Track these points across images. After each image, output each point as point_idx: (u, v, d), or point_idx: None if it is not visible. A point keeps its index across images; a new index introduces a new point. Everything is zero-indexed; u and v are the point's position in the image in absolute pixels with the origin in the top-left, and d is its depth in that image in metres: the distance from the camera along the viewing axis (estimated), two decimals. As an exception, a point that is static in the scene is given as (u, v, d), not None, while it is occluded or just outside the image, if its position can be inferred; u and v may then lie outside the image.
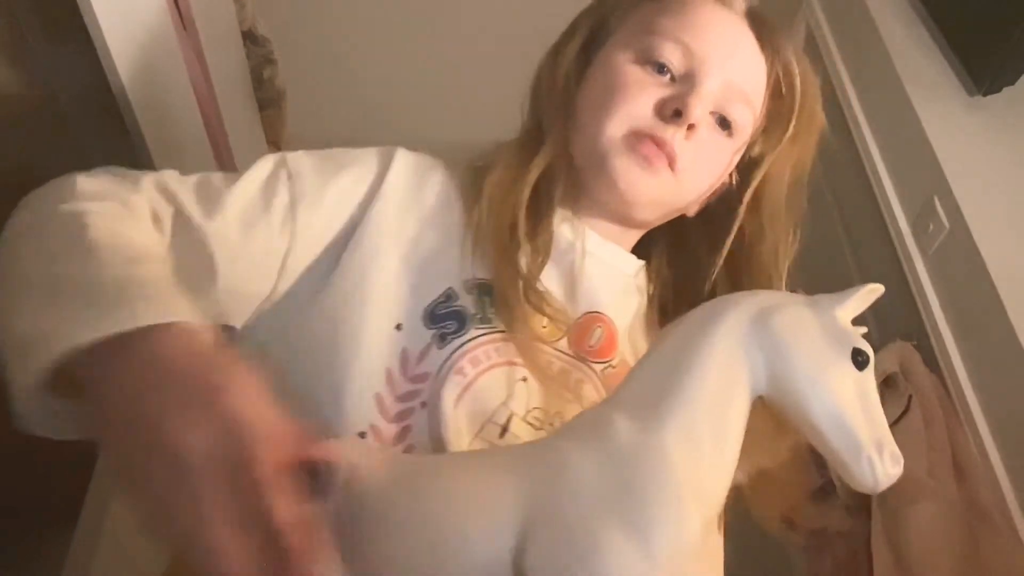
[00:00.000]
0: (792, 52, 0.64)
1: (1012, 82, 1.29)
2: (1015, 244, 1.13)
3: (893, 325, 1.28)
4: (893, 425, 1.11)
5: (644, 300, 0.67)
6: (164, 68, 0.95)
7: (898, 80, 1.35)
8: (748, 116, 0.62)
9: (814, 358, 0.46)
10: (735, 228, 0.65)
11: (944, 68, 1.37)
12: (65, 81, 0.92)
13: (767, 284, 0.67)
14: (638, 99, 0.59)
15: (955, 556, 1.03)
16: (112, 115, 0.84)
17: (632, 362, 0.63)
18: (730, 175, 0.67)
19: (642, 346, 0.66)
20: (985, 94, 1.30)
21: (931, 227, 1.23)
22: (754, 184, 0.65)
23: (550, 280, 0.60)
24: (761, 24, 0.64)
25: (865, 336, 0.49)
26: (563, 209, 0.64)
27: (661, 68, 0.60)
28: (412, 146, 0.67)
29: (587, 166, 0.62)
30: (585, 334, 0.61)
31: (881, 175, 1.39)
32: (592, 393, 0.60)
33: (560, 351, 0.60)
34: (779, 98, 0.63)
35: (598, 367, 0.61)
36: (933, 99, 1.32)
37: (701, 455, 0.43)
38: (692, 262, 0.68)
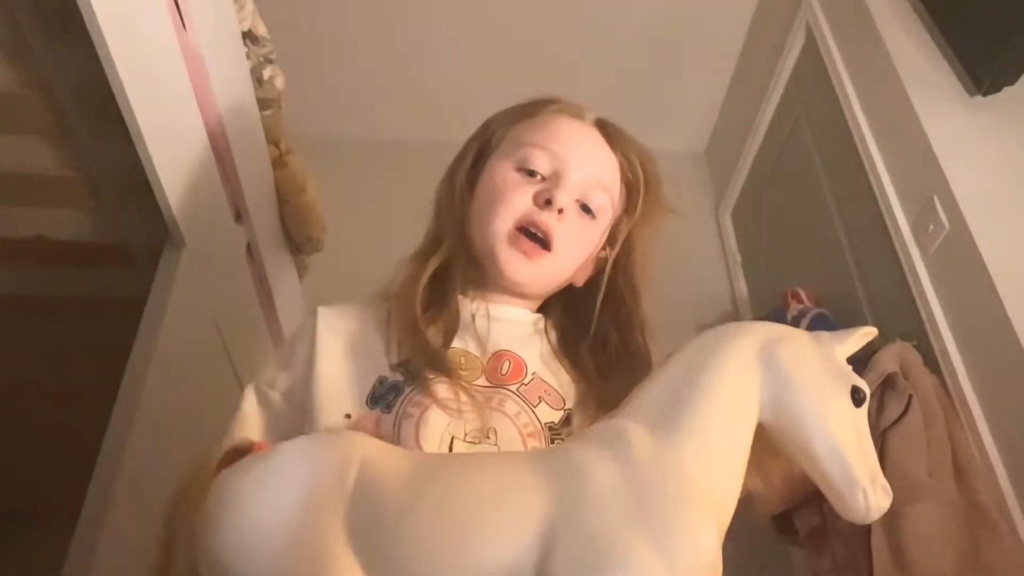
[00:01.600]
0: (635, 149, 0.81)
1: (1012, 82, 1.29)
2: (1015, 244, 1.13)
3: (893, 325, 1.28)
4: (893, 425, 1.11)
5: (545, 340, 0.79)
6: (164, 68, 0.95)
7: (898, 80, 1.35)
8: (606, 201, 0.77)
9: (817, 391, 0.49)
10: (604, 283, 0.80)
11: (944, 68, 1.37)
12: (65, 81, 0.92)
13: (639, 327, 0.80)
14: (516, 197, 0.74)
15: (955, 556, 1.03)
16: (112, 115, 0.84)
17: (547, 378, 0.75)
18: (605, 251, 0.81)
19: (555, 369, 0.77)
20: (985, 94, 1.30)
21: (931, 227, 1.23)
22: (615, 251, 0.80)
23: (465, 342, 0.75)
24: (609, 129, 0.81)
25: None
26: (471, 291, 0.78)
27: (532, 173, 0.75)
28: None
29: (482, 257, 0.76)
30: (496, 367, 0.74)
31: (881, 175, 1.39)
32: (514, 406, 0.72)
33: (479, 385, 0.73)
34: (630, 186, 0.80)
35: (513, 387, 0.73)
36: (933, 99, 1.32)
37: (715, 469, 0.45)
38: (582, 312, 0.81)
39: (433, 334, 0.74)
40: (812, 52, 1.73)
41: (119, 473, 0.87)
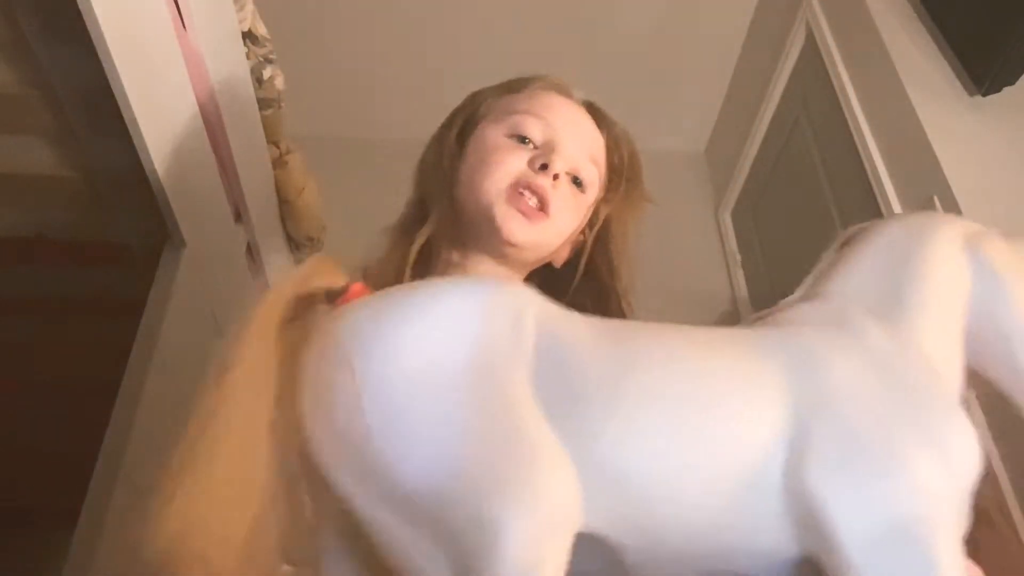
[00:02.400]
0: (622, 133, 0.81)
1: (1012, 82, 1.29)
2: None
3: (893, 325, 1.28)
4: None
5: None
6: (164, 68, 0.95)
7: (898, 80, 1.35)
8: (595, 175, 0.77)
9: None
10: (583, 263, 0.79)
11: (944, 68, 1.37)
12: (65, 81, 0.92)
13: (616, 300, 0.79)
14: (511, 159, 0.73)
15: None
16: (112, 115, 0.84)
17: None
18: (584, 232, 0.79)
19: None
20: (985, 94, 1.30)
21: (931, 227, 1.23)
22: (595, 231, 0.79)
23: None
24: (595, 110, 0.81)
25: None
26: (453, 262, 0.76)
27: (524, 139, 0.74)
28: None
29: (476, 219, 0.74)
30: None
31: (881, 175, 1.39)
32: None
33: None
34: (614, 168, 0.79)
35: None
36: (933, 99, 1.32)
37: (948, 357, 0.40)
38: (558, 295, 0.78)
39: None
40: (812, 52, 1.73)
41: (119, 473, 0.87)
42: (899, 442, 0.33)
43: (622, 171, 0.80)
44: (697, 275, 2.14)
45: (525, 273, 0.80)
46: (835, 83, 1.58)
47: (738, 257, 2.14)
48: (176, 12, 0.97)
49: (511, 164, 0.73)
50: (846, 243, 0.46)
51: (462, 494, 0.27)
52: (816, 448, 0.33)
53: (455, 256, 0.77)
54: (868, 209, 1.44)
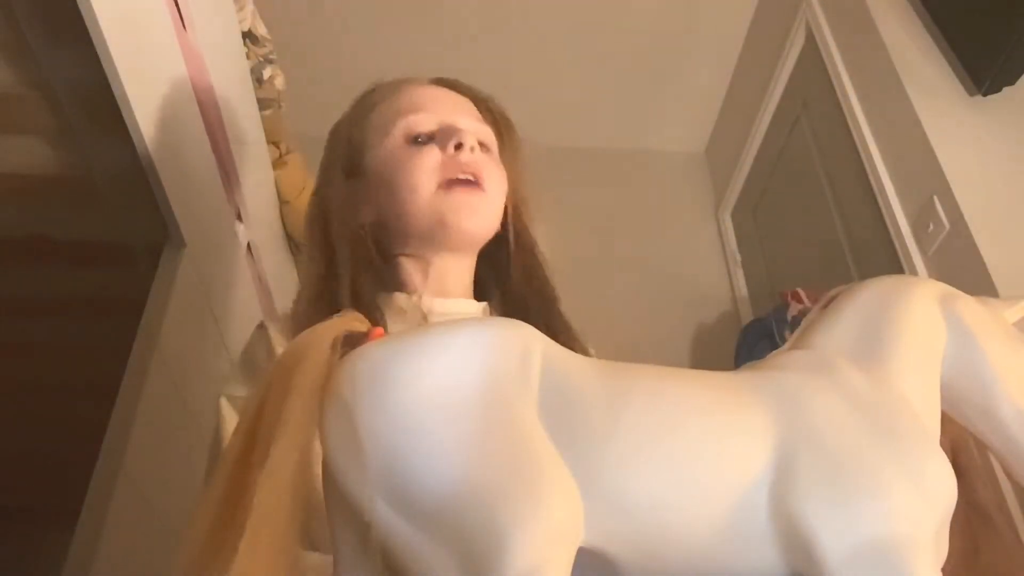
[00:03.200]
0: (479, 92, 0.82)
1: (1012, 82, 1.29)
2: (1015, 244, 1.13)
3: (893, 325, 1.28)
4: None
5: None
6: (164, 68, 0.95)
7: (898, 80, 1.35)
8: (491, 134, 0.78)
9: (1001, 351, 0.44)
10: (511, 231, 0.79)
11: (944, 68, 1.37)
12: (65, 81, 0.92)
13: (547, 274, 0.80)
14: (425, 159, 0.71)
15: (955, 556, 1.02)
16: (112, 115, 0.84)
17: None
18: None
19: None
20: (985, 94, 1.30)
21: (931, 227, 1.23)
22: (512, 191, 0.78)
23: None
24: (449, 82, 0.81)
25: None
26: (399, 294, 0.75)
27: (418, 137, 0.73)
28: None
29: (426, 226, 0.72)
30: None
31: (881, 175, 1.39)
32: None
33: None
34: (491, 120, 0.80)
35: None
36: (933, 99, 1.32)
37: (927, 410, 0.42)
38: (499, 267, 0.81)
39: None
40: (812, 52, 1.73)
41: (119, 473, 0.87)
42: (877, 469, 0.35)
43: (498, 123, 0.80)
44: (697, 275, 2.14)
45: (478, 250, 0.79)
46: (835, 83, 1.58)
47: (738, 257, 2.14)
48: (176, 12, 0.97)
49: (428, 162, 0.71)
50: (828, 302, 0.49)
51: (475, 508, 0.30)
52: (800, 474, 0.35)
53: (415, 273, 0.75)
54: (868, 208, 1.44)
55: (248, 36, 1.24)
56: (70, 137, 0.98)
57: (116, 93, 0.83)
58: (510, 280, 0.79)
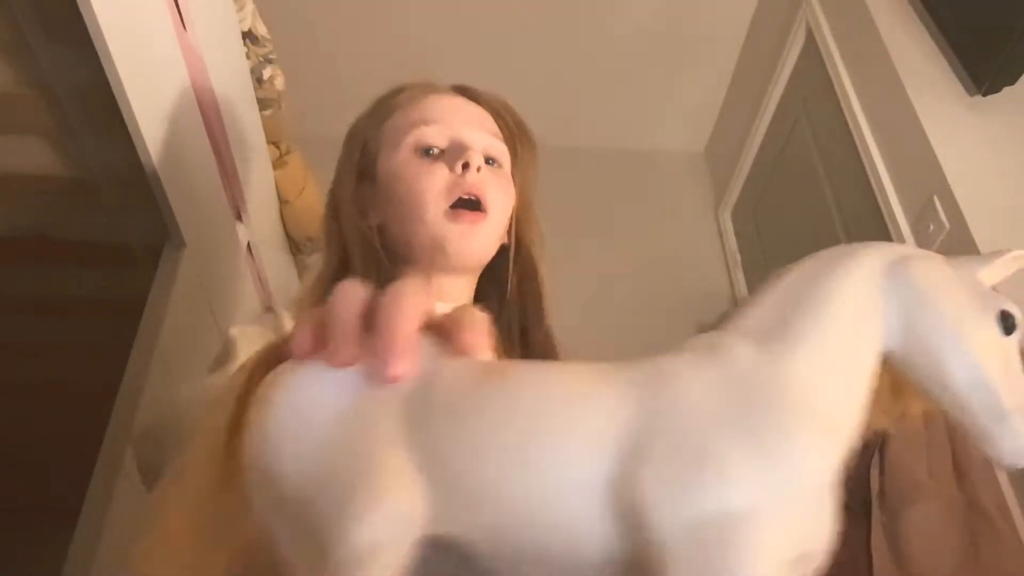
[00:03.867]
0: (497, 100, 0.83)
1: (1012, 82, 1.29)
2: (1015, 244, 1.13)
3: (893, 325, 1.28)
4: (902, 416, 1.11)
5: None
6: (164, 68, 0.95)
7: (898, 80, 1.35)
8: (503, 149, 0.79)
9: (958, 314, 0.42)
10: (513, 238, 0.80)
11: (944, 68, 1.37)
12: (65, 81, 0.92)
13: (543, 287, 0.81)
14: (433, 177, 0.73)
15: (955, 556, 1.03)
16: (112, 115, 0.84)
17: None
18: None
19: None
20: (985, 94, 1.30)
21: (931, 227, 1.23)
22: (520, 203, 0.80)
23: None
24: (468, 91, 0.82)
25: None
26: None
27: (430, 151, 0.75)
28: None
29: (428, 247, 0.74)
30: None
31: (881, 175, 1.39)
32: None
33: None
34: (506, 134, 0.81)
35: None
36: (933, 99, 1.32)
37: (832, 383, 0.39)
38: (499, 274, 0.82)
39: None
40: (812, 52, 1.73)
41: (119, 473, 0.87)
42: (726, 448, 0.34)
43: (513, 134, 0.81)
44: (697, 275, 2.14)
45: (481, 269, 0.80)
46: (835, 83, 1.58)
47: (738, 257, 2.14)
48: (176, 12, 0.97)
49: (436, 182, 0.73)
50: (769, 281, 0.47)
51: (326, 502, 0.35)
52: (644, 455, 0.35)
53: (415, 277, 0.77)
54: (868, 209, 1.44)
55: (248, 36, 1.24)
56: (70, 137, 0.98)
57: (116, 93, 0.83)
58: (507, 290, 0.80)
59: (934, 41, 1.41)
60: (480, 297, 0.82)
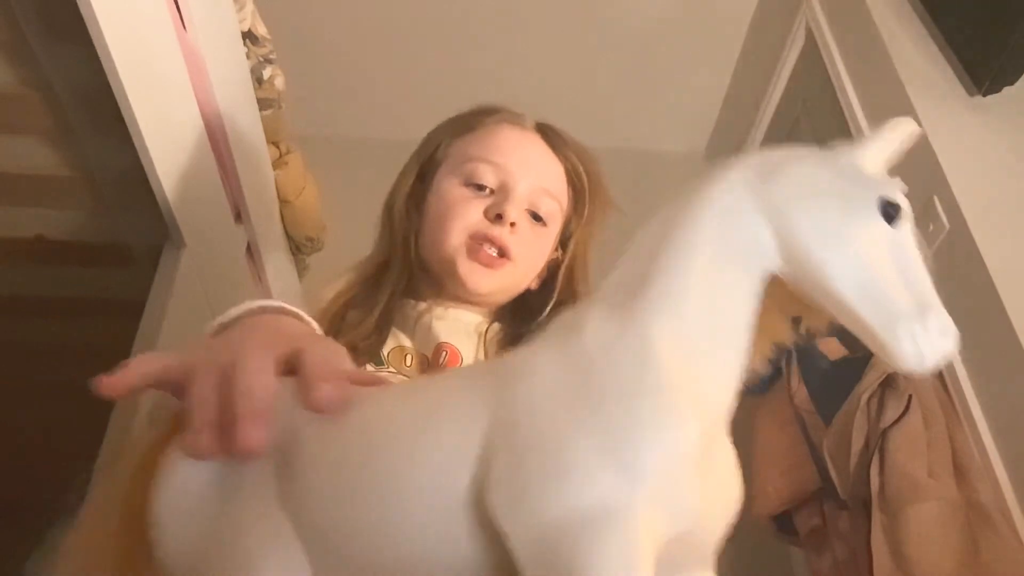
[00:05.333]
0: (577, 152, 0.82)
1: (1012, 82, 1.29)
2: (1015, 244, 1.13)
3: (893, 325, 1.28)
4: (893, 425, 1.11)
5: (481, 344, 0.79)
6: (164, 68, 0.95)
7: (898, 80, 1.35)
8: (555, 207, 0.79)
9: (827, 214, 0.37)
10: (559, 284, 0.81)
11: (944, 68, 1.37)
12: (65, 81, 0.92)
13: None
14: (468, 212, 0.75)
15: (955, 556, 1.03)
16: (112, 115, 0.84)
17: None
18: (557, 252, 0.82)
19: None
20: (985, 94, 1.30)
21: (931, 227, 1.23)
22: (568, 255, 0.81)
23: (398, 339, 0.77)
24: (551, 135, 0.82)
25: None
26: (427, 298, 0.79)
27: (480, 187, 0.76)
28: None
29: (441, 271, 0.77)
30: (436, 357, 0.75)
31: (881, 175, 1.39)
32: None
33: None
34: (576, 189, 0.81)
35: None
36: (933, 99, 1.32)
37: (695, 348, 0.35)
38: (532, 312, 0.82)
39: (363, 332, 0.75)
40: (812, 52, 1.73)
41: (119, 473, 0.87)
42: (566, 445, 0.32)
43: (583, 192, 0.82)
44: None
45: (501, 305, 0.82)
46: (835, 83, 1.58)
47: (738, 257, 2.14)
48: (176, 12, 0.97)
49: (467, 217, 0.75)
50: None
51: None
52: (494, 463, 0.32)
53: (430, 294, 0.80)
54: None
55: (248, 36, 1.24)
56: (70, 137, 0.98)
57: (116, 93, 0.83)
58: (526, 325, 0.81)
59: (934, 41, 1.41)
60: (502, 314, 0.83)
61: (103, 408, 0.91)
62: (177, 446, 0.40)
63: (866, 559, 1.07)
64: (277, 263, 1.46)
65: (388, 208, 0.83)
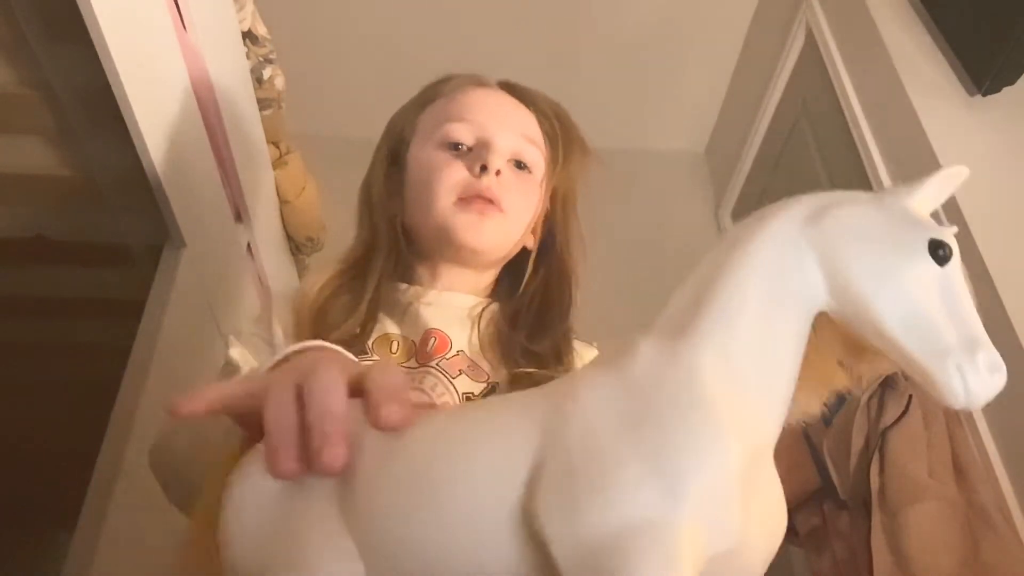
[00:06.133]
0: (546, 102, 0.81)
1: (1012, 82, 1.29)
2: (1015, 244, 1.13)
3: (893, 325, 1.28)
4: (893, 425, 1.11)
5: (476, 328, 0.78)
6: (164, 68, 0.95)
7: (898, 80, 1.35)
8: (536, 153, 0.78)
9: (880, 254, 0.38)
10: (540, 236, 0.79)
11: (944, 68, 1.37)
12: (65, 81, 0.92)
13: (569, 283, 0.80)
14: (451, 171, 0.74)
15: (955, 556, 1.03)
16: (112, 115, 0.84)
17: (472, 356, 0.74)
18: (546, 209, 0.80)
19: (482, 352, 0.76)
20: (985, 94, 1.30)
21: (931, 227, 1.23)
22: (547, 203, 0.79)
23: (384, 325, 0.75)
24: (516, 89, 0.81)
25: None
26: (404, 284, 0.78)
27: (457, 146, 0.75)
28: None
29: (434, 238, 0.75)
30: (424, 344, 0.74)
31: (881, 175, 1.39)
32: (431, 380, 0.72)
33: (406, 366, 0.73)
34: (551, 138, 0.79)
35: (435, 362, 0.73)
36: (933, 99, 1.32)
37: (743, 378, 0.37)
38: (521, 279, 0.81)
39: (351, 323, 0.73)
40: (812, 52, 1.73)
41: (119, 473, 0.87)
42: (615, 464, 0.33)
43: (557, 138, 0.80)
44: (697, 275, 2.14)
45: (498, 269, 0.81)
46: (835, 83, 1.58)
47: (738, 257, 2.14)
48: (176, 12, 0.97)
49: (451, 176, 0.74)
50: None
51: None
52: (542, 482, 0.34)
53: (424, 272, 0.79)
54: (868, 209, 1.44)
55: (248, 36, 1.24)
56: (70, 137, 0.98)
57: (116, 93, 0.83)
58: (520, 292, 0.80)
59: (934, 41, 1.41)
60: (499, 295, 0.82)
61: (103, 408, 0.91)
62: (250, 461, 0.41)
63: (866, 559, 1.07)
64: (277, 263, 1.46)
65: (366, 196, 0.82)
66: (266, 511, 0.39)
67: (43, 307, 1.23)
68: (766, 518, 0.38)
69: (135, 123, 0.86)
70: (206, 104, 1.07)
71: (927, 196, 0.43)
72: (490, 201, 0.73)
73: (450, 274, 0.78)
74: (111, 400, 0.91)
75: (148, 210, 0.97)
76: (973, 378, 0.37)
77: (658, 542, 0.32)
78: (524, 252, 0.80)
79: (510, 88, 0.82)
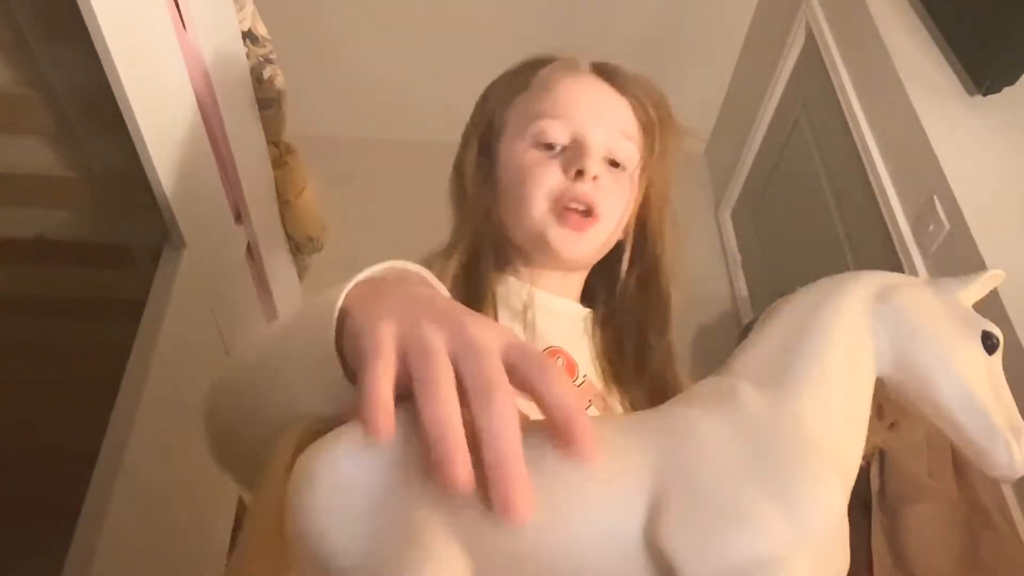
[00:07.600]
0: (641, 86, 0.78)
1: (1012, 82, 1.29)
2: (1015, 244, 1.13)
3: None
4: (893, 425, 1.11)
5: (591, 342, 0.77)
6: (164, 68, 0.95)
7: (898, 80, 1.35)
8: (631, 148, 0.74)
9: (944, 337, 0.44)
10: (634, 226, 0.77)
11: (944, 68, 1.37)
12: (65, 81, 0.92)
13: (667, 292, 0.78)
14: (546, 175, 0.71)
15: (955, 556, 1.03)
16: (112, 115, 0.84)
17: (595, 382, 0.72)
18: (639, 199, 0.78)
19: (600, 373, 0.74)
20: (985, 94, 1.30)
21: (931, 227, 1.23)
22: (642, 193, 0.77)
23: (513, 329, 0.71)
24: (609, 72, 0.78)
25: None
26: (512, 278, 0.75)
27: (551, 146, 0.72)
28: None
29: (529, 244, 0.73)
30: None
31: (881, 175, 1.39)
32: None
33: None
34: (646, 126, 0.76)
35: None
36: (933, 99, 1.32)
37: (837, 423, 0.41)
38: (616, 275, 0.79)
39: None
40: (812, 52, 1.73)
41: (119, 473, 0.87)
42: (741, 495, 0.36)
43: (653, 127, 0.76)
44: (697, 275, 2.14)
45: (585, 273, 0.79)
46: (835, 83, 1.58)
47: (738, 257, 2.14)
48: (176, 12, 0.97)
49: (547, 181, 0.71)
50: (764, 319, 0.49)
51: (373, 571, 0.35)
52: (668, 509, 0.36)
53: (521, 267, 0.76)
54: (868, 209, 1.44)
55: (248, 36, 1.23)
56: (70, 137, 0.98)
57: (116, 93, 0.83)
58: (618, 294, 0.78)
59: (934, 41, 1.41)
60: (589, 293, 0.80)
61: (103, 408, 0.91)
62: (350, 435, 0.38)
63: (866, 559, 1.07)
64: (277, 263, 1.46)
65: (459, 185, 0.78)
66: (372, 498, 0.37)
67: (43, 307, 1.23)
68: (840, 560, 0.42)
69: (135, 123, 0.86)
70: (206, 104, 1.07)
71: (973, 292, 0.49)
72: (586, 212, 0.71)
73: (547, 275, 0.76)
74: (111, 400, 0.91)
75: (148, 210, 0.97)
76: (1019, 453, 0.42)
77: (787, 571, 0.35)
78: (617, 247, 0.78)
79: (604, 73, 0.77)
